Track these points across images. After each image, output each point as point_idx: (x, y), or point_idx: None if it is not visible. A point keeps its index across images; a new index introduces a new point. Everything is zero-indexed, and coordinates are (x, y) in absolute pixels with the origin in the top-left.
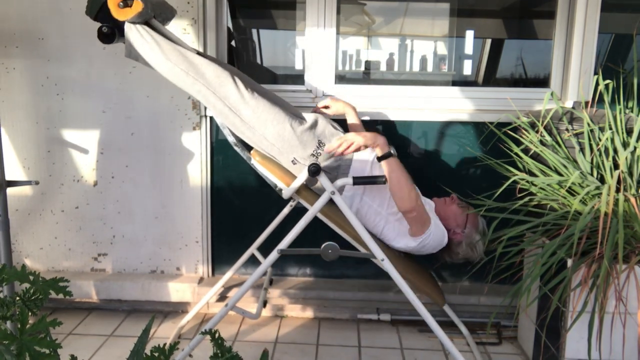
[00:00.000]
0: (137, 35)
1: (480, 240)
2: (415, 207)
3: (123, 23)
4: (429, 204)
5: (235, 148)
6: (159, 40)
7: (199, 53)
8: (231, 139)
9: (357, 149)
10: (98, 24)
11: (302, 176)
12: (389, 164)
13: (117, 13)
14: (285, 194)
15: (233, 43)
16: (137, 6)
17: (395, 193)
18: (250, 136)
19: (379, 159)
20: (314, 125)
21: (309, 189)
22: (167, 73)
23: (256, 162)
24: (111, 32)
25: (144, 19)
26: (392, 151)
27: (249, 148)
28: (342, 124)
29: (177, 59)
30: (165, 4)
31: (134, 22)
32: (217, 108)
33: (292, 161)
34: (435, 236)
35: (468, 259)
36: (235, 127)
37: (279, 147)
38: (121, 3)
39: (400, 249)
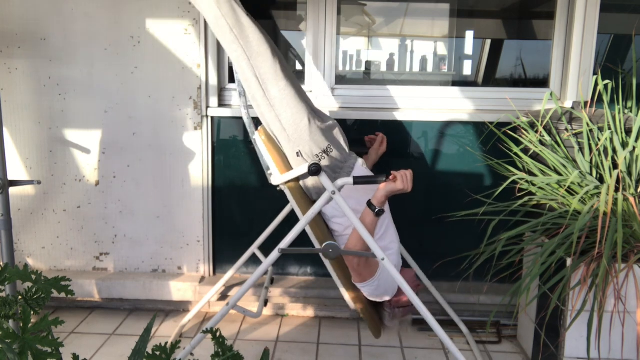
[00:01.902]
0: None
1: (393, 320)
2: (359, 270)
3: None
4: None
5: (243, 111)
6: None
7: (250, 18)
8: (243, 106)
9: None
10: (100, 24)
11: (299, 170)
12: (374, 217)
13: None
14: (275, 180)
15: None
16: None
17: (354, 245)
18: (266, 113)
19: (375, 209)
20: (330, 129)
21: (298, 184)
22: (212, 21)
23: (259, 139)
24: None
25: None
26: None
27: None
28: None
29: (228, 12)
30: None
31: None
32: (245, 74)
33: (297, 153)
34: (376, 286)
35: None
36: (255, 100)
37: (289, 134)
38: None
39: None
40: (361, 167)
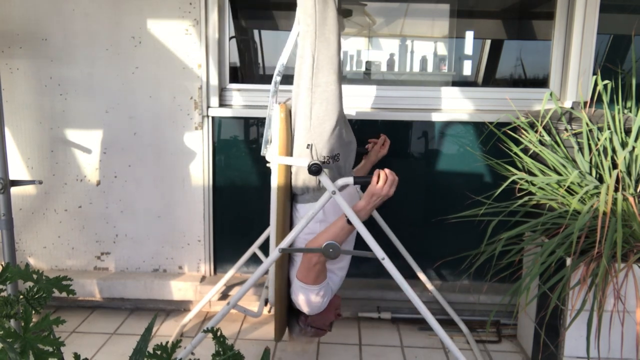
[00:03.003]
0: None
1: (301, 335)
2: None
3: None
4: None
5: (277, 78)
6: None
7: (335, 6)
8: (273, 88)
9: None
10: (101, 24)
11: (300, 161)
12: (347, 225)
13: None
14: (271, 156)
15: (235, 43)
16: None
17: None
18: (303, 95)
19: (348, 221)
20: (348, 143)
21: (289, 171)
22: None
23: (277, 114)
24: None
25: None
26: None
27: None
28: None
29: None
30: None
31: None
32: (305, 50)
33: (308, 145)
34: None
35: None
36: (300, 77)
37: (313, 125)
38: None
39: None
40: (354, 190)
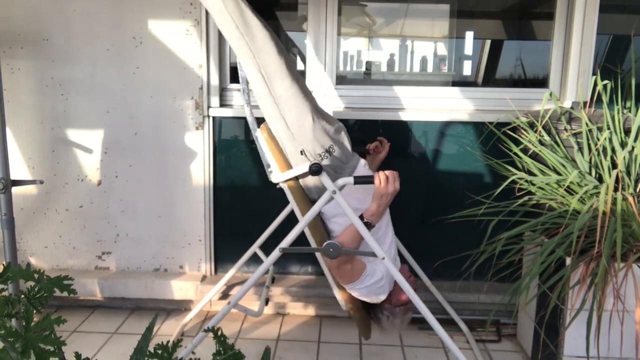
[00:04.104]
0: None
1: (392, 321)
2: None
3: None
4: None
5: (246, 109)
6: None
7: (256, 16)
8: (245, 97)
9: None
10: (102, 24)
11: (300, 168)
12: (364, 229)
13: None
14: (275, 178)
15: None
16: None
17: (347, 243)
18: (271, 111)
19: (366, 221)
20: (334, 129)
21: (298, 182)
22: (218, 19)
23: (261, 137)
24: None
25: None
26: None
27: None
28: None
29: (234, 10)
30: None
31: None
32: (251, 71)
33: (301, 152)
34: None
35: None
36: (260, 97)
37: (293, 132)
38: None
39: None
40: (363, 168)
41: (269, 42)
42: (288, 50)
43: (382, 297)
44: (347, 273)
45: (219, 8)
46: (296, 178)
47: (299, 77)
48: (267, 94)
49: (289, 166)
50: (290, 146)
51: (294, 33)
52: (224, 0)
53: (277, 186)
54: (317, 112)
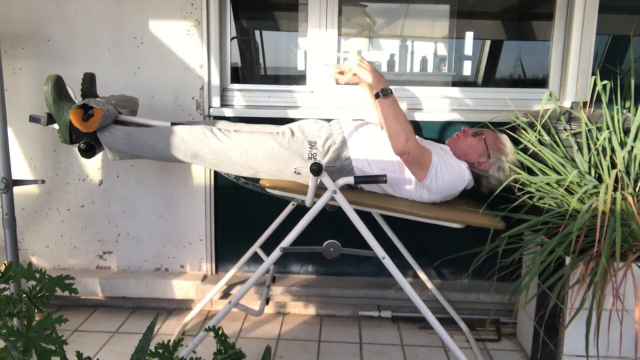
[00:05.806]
0: (110, 137)
1: (505, 158)
2: (406, 149)
3: (95, 134)
4: (443, 150)
5: (246, 187)
6: (132, 131)
7: (172, 123)
8: (241, 182)
9: (361, 80)
10: (103, 25)
11: (312, 181)
12: (386, 101)
13: (85, 127)
14: (308, 202)
15: (236, 44)
16: (98, 113)
17: (389, 133)
18: (250, 171)
19: (377, 95)
20: (293, 132)
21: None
22: (153, 157)
23: (269, 189)
24: (89, 146)
25: (112, 119)
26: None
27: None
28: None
29: (156, 140)
30: (126, 98)
31: (105, 127)
32: (209, 162)
33: (295, 171)
34: (446, 174)
35: (501, 182)
36: (234, 170)
37: (277, 166)
38: (84, 117)
39: (424, 200)
40: (349, 124)
41: (196, 131)
42: (288, 51)
43: (467, 176)
44: (420, 159)
45: (148, 149)
46: (322, 188)
47: (237, 126)
48: (231, 165)
49: (306, 187)
50: (288, 176)
51: (294, 33)
52: (143, 141)
53: (295, 201)
54: (270, 133)
